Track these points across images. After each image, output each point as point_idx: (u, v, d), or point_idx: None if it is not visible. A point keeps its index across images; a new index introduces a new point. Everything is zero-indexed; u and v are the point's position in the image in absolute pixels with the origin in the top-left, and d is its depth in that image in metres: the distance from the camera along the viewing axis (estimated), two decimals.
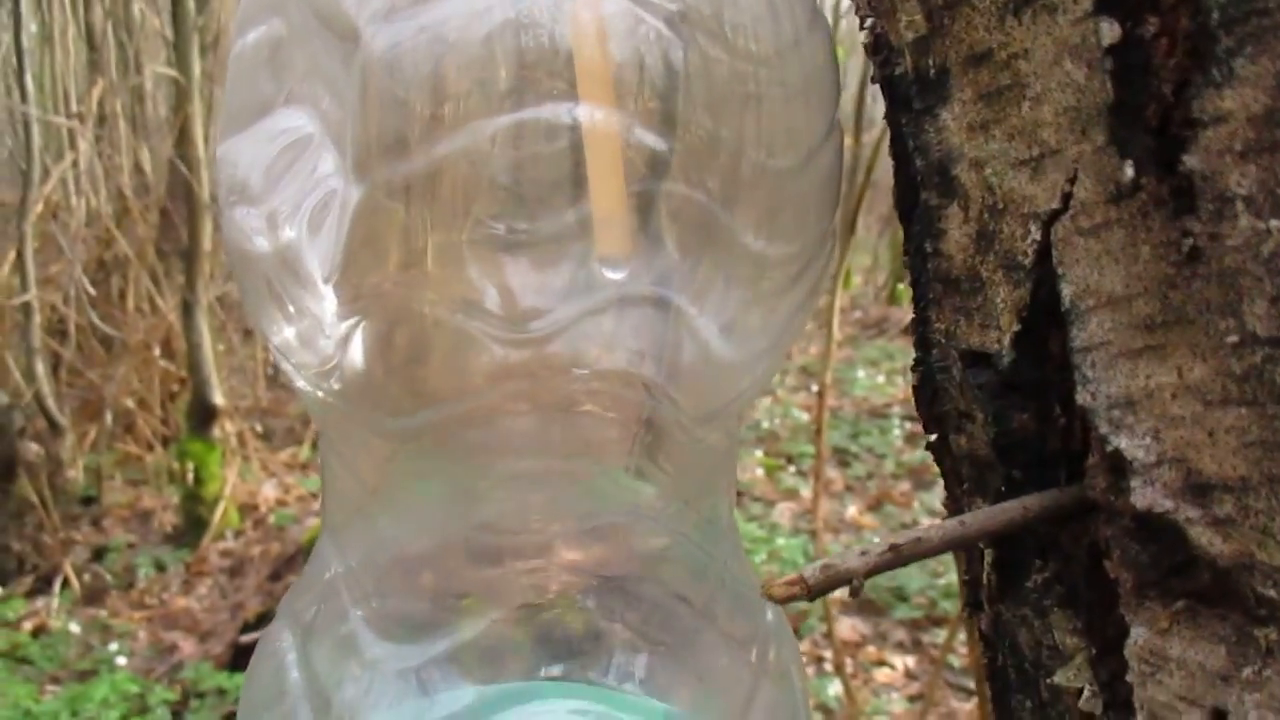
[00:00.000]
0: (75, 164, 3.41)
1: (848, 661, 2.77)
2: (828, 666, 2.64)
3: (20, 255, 2.93)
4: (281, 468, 3.41)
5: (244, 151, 0.20)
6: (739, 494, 3.43)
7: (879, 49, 0.22)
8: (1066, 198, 0.17)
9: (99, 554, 2.91)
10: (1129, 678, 0.17)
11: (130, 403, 3.34)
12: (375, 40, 0.17)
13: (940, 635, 2.57)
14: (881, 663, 2.83)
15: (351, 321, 0.22)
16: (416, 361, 0.23)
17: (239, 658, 2.20)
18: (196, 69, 3.22)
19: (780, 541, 3.01)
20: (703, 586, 0.23)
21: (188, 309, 2.98)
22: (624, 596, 0.22)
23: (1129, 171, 0.16)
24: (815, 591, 0.17)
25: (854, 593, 0.16)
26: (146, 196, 3.89)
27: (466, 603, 0.21)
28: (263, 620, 2.24)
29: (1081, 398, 0.17)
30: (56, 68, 4.47)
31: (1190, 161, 0.15)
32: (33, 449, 2.93)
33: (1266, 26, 0.14)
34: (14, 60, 3.31)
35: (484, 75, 0.18)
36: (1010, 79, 0.18)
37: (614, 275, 0.21)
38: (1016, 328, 0.18)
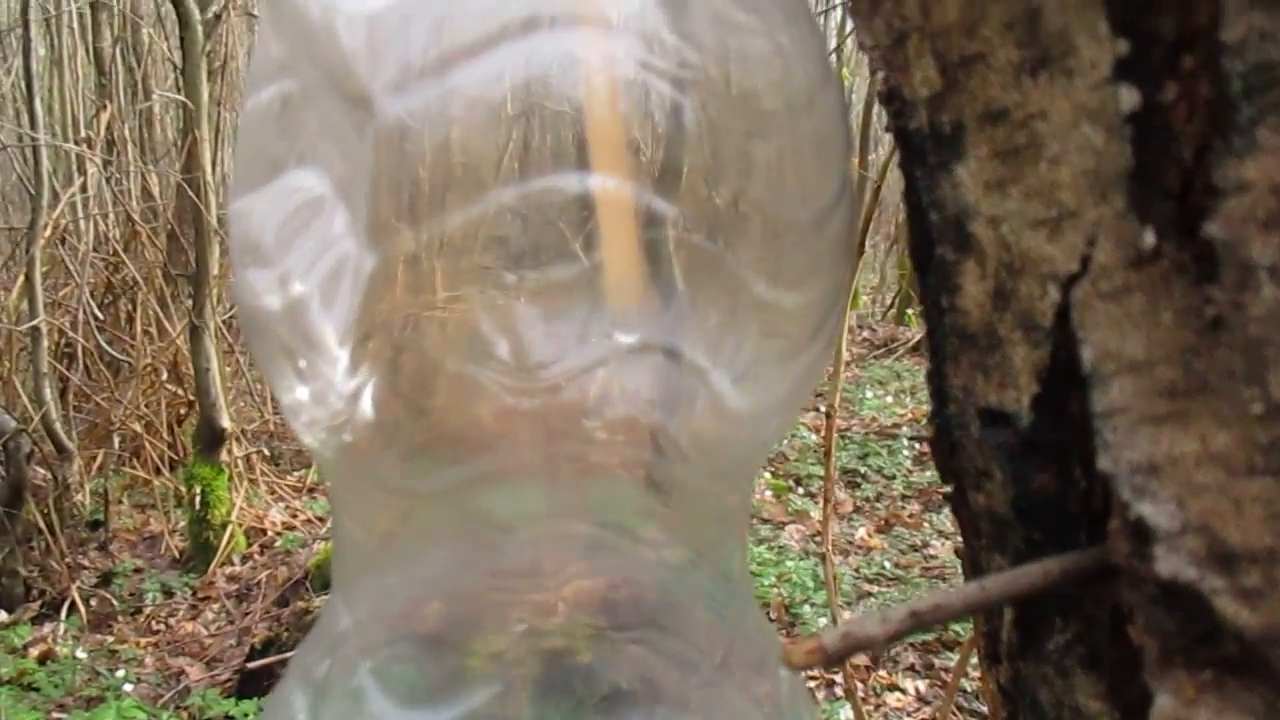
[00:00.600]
0: (84, 188, 3.42)
1: (858, 686, 2.75)
2: (838, 690, 2.62)
3: (29, 279, 2.94)
4: (289, 491, 3.41)
5: (256, 211, 0.20)
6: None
7: (892, 100, 0.22)
8: (1086, 260, 0.17)
9: (106, 579, 2.90)
10: None
11: (138, 426, 3.35)
12: (389, 109, 0.17)
13: (952, 659, 2.56)
14: (893, 687, 2.81)
15: (362, 377, 0.22)
16: (427, 416, 0.23)
17: (246, 684, 2.19)
18: (205, 94, 3.23)
19: (789, 564, 2.99)
20: (717, 642, 0.22)
21: (195, 332, 2.99)
22: (637, 653, 0.22)
23: (1150, 237, 0.15)
24: (834, 658, 0.17)
25: (874, 659, 0.16)
26: (154, 221, 3.90)
27: (476, 664, 0.21)
28: (270, 646, 2.23)
29: (1103, 463, 0.17)
30: (66, 92, 4.49)
31: (1211, 229, 0.15)
32: (40, 473, 2.93)
33: None
34: (23, 86, 3.33)
35: (497, 143, 0.18)
36: (1027, 139, 0.18)
37: (626, 330, 0.21)
38: (1036, 389, 0.18)
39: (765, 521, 3.39)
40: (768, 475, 3.95)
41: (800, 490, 3.90)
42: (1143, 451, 0.16)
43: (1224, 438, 0.15)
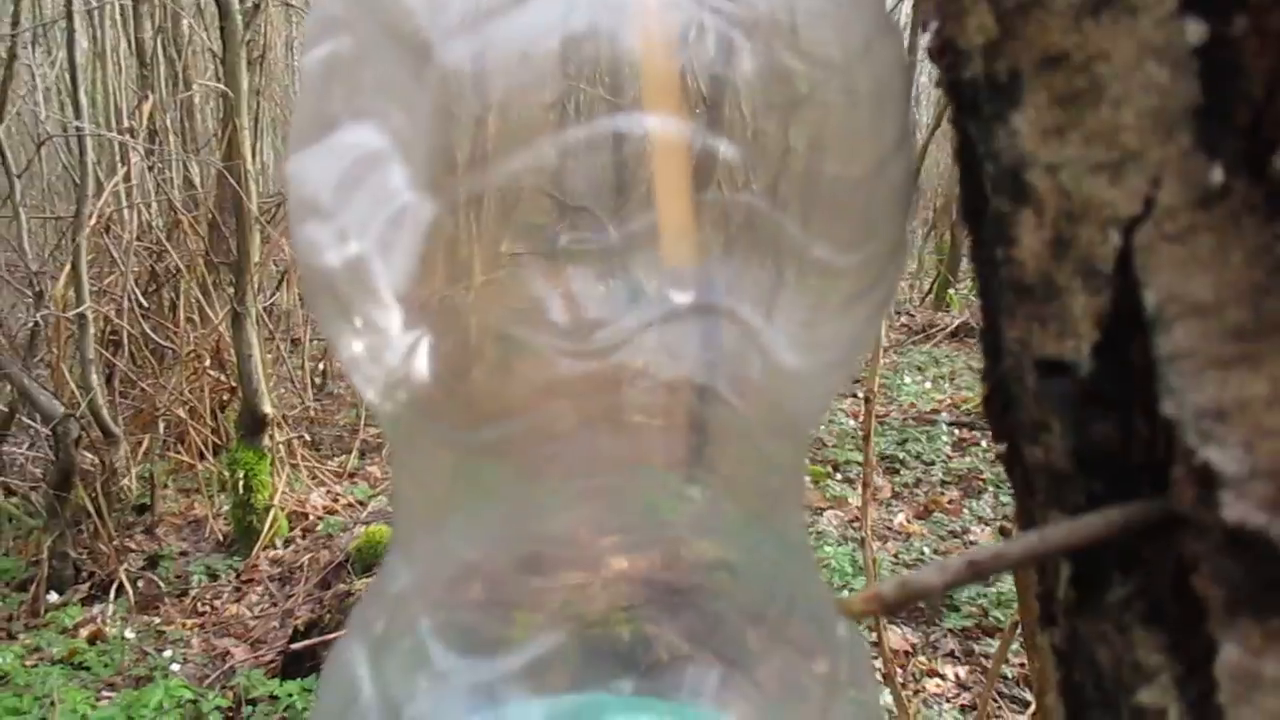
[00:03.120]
0: (127, 178, 3.46)
1: (898, 671, 2.74)
2: (878, 676, 2.61)
3: (75, 268, 2.99)
4: (330, 476, 3.44)
5: (312, 167, 0.20)
6: None
7: (945, 53, 0.22)
8: (1149, 202, 0.16)
9: (153, 562, 2.95)
10: (1219, 698, 0.17)
11: (182, 412, 3.39)
12: (449, 55, 0.17)
13: (992, 645, 2.54)
14: (933, 673, 2.80)
15: (417, 334, 0.22)
16: (480, 374, 0.23)
17: (290, 666, 2.22)
18: (244, 83, 3.26)
19: (828, 549, 2.99)
20: (774, 601, 0.22)
21: (237, 319, 3.02)
22: (696, 612, 0.22)
23: (1218, 175, 0.15)
24: (893, 607, 0.17)
25: (933, 606, 0.16)
26: (196, 209, 3.94)
27: (535, 617, 0.21)
28: (312, 628, 2.26)
29: (1167, 408, 0.17)
30: (109, 83, 4.54)
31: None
32: (88, 458, 2.98)
33: None
34: (68, 77, 3.37)
35: (557, 89, 0.18)
36: (1087, 82, 0.17)
37: (680, 290, 0.21)
38: (1096, 336, 0.18)
39: (803, 507, 3.39)
40: (806, 461, 3.95)
41: (838, 476, 3.88)
42: (1210, 395, 0.16)
43: None
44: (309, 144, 0.21)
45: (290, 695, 2.01)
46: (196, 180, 4.19)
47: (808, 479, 3.68)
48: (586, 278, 0.22)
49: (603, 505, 0.23)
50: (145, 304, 3.49)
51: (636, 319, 0.22)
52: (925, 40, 0.23)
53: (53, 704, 2.12)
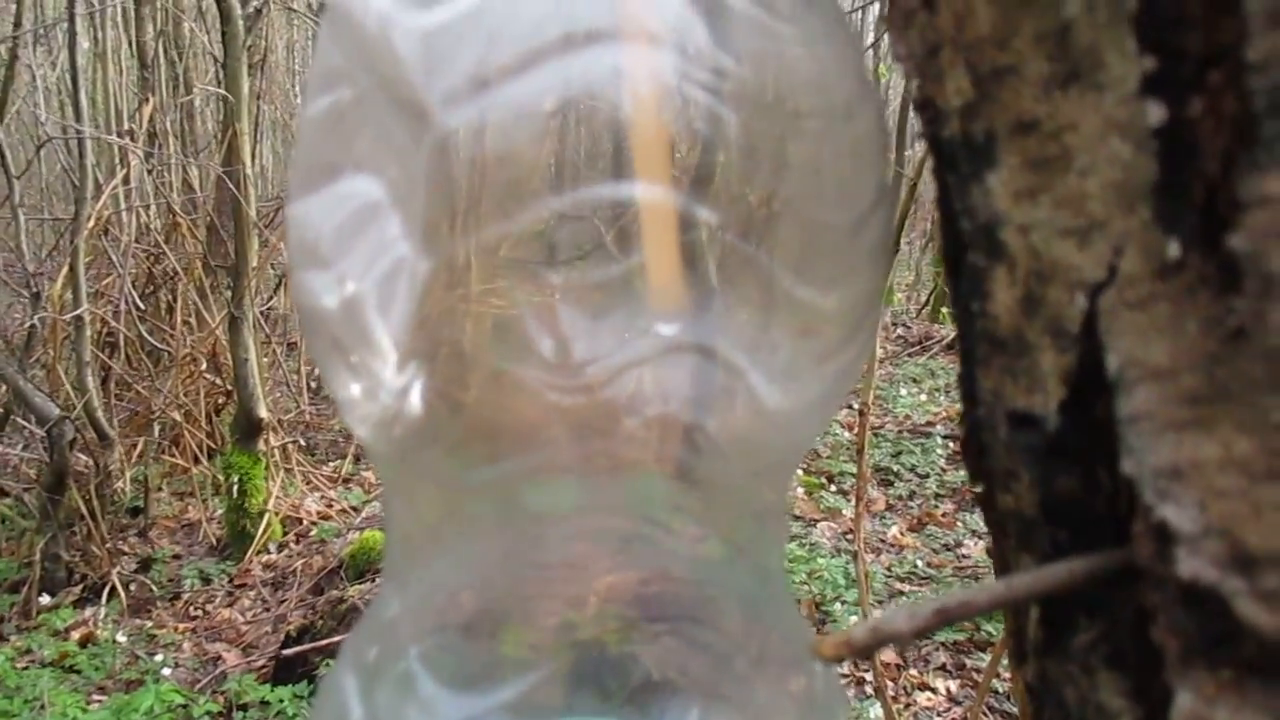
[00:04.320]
0: (126, 180, 3.47)
1: (889, 684, 2.74)
2: (869, 689, 2.62)
3: (73, 269, 2.99)
4: (324, 481, 3.44)
5: (313, 214, 0.21)
6: None
7: (926, 108, 0.23)
8: (1113, 269, 0.17)
9: (145, 565, 2.95)
10: None
11: (177, 415, 3.39)
12: (445, 120, 0.18)
13: (984, 659, 2.54)
14: (924, 686, 2.80)
15: (410, 374, 0.22)
16: (471, 413, 0.23)
17: (281, 671, 2.22)
18: (245, 88, 3.26)
19: (821, 561, 2.99)
20: (754, 634, 0.23)
21: (234, 323, 3.02)
22: (678, 644, 0.22)
23: (1175, 249, 0.16)
24: (862, 652, 0.17)
25: (904, 658, 0.16)
26: (194, 213, 3.94)
27: (521, 651, 0.22)
28: (305, 634, 2.26)
29: (1127, 466, 0.17)
30: (109, 85, 4.54)
31: (1235, 241, 0.15)
32: (82, 460, 2.98)
33: None
34: (69, 79, 3.38)
35: (547, 152, 0.19)
36: (1057, 150, 0.18)
37: (666, 330, 0.21)
38: (1063, 394, 0.19)
39: (797, 519, 3.39)
40: (800, 472, 3.95)
41: (833, 488, 3.89)
42: (1166, 456, 0.17)
43: (1245, 444, 0.16)
44: (310, 191, 0.21)
45: (281, 701, 2.01)
46: (195, 183, 4.20)
47: (801, 490, 3.68)
48: (576, 316, 0.23)
49: (591, 540, 0.24)
50: (142, 306, 3.49)
51: (624, 356, 0.23)
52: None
53: (43, 707, 2.11)
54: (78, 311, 2.82)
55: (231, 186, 2.99)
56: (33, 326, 2.96)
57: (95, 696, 2.29)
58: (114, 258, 3.54)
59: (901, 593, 3.13)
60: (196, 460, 3.40)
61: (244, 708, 2.13)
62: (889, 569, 3.29)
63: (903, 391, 4.75)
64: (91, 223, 3.17)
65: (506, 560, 0.24)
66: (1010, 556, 0.22)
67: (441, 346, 0.23)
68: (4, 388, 3.04)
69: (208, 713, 2.11)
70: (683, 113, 0.19)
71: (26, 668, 2.34)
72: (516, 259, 0.22)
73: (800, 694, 0.24)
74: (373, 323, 0.21)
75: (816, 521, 3.53)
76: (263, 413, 3.00)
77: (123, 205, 3.63)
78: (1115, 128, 0.17)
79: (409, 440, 0.23)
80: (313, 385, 4.45)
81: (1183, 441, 0.16)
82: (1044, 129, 0.18)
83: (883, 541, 3.43)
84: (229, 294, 3.53)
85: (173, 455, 3.41)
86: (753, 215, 0.21)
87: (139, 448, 3.30)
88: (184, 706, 2.14)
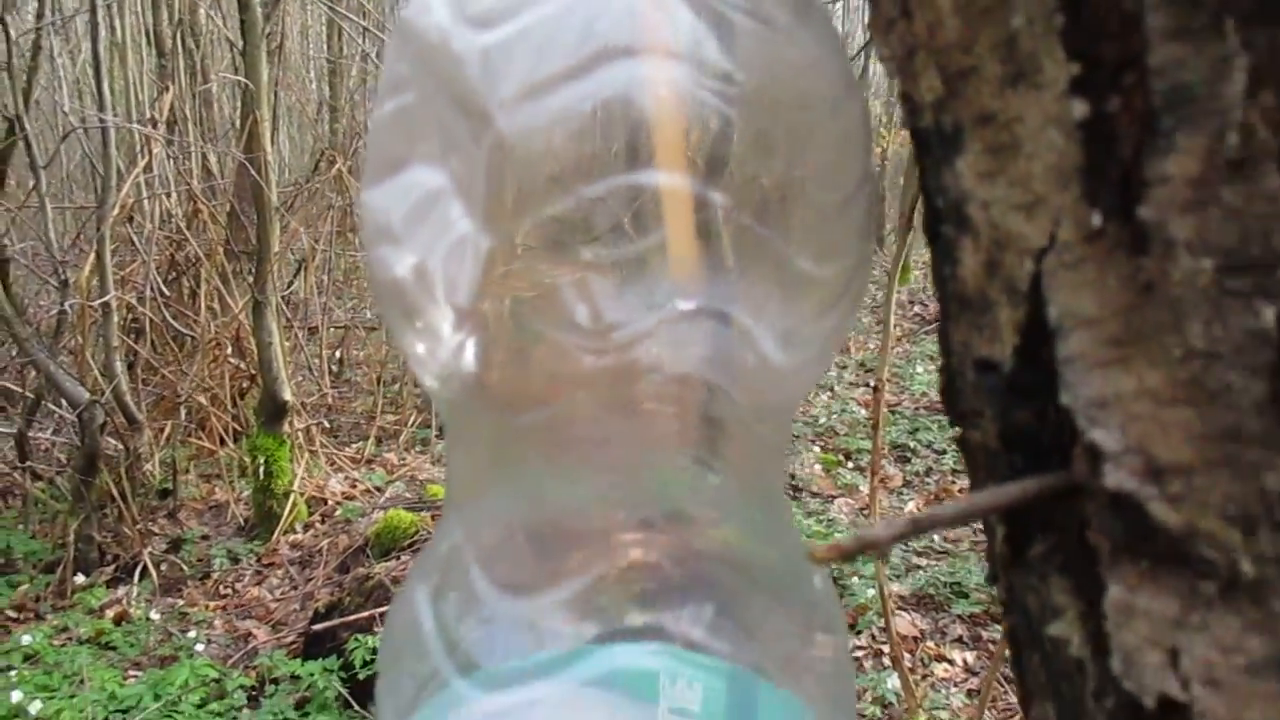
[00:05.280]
0: (149, 168, 3.52)
1: (906, 656, 2.78)
2: (886, 661, 2.66)
3: (99, 257, 3.04)
4: (348, 463, 3.50)
5: (384, 200, 0.25)
6: (797, 489, 3.46)
7: (906, 101, 0.26)
8: (1052, 237, 0.21)
9: (175, 545, 3.01)
10: (1107, 627, 0.21)
11: (203, 399, 3.45)
12: (503, 122, 0.22)
13: (999, 630, 2.58)
14: (941, 658, 2.84)
15: (464, 334, 0.26)
16: (517, 368, 0.27)
17: (311, 646, 2.27)
18: (265, 74, 3.30)
19: (838, 536, 3.02)
20: (762, 555, 0.27)
21: (258, 308, 3.07)
22: (697, 562, 0.26)
23: (1097, 219, 0.20)
24: (849, 555, 0.21)
25: (883, 556, 0.20)
26: (215, 199, 3.99)
27: (565, 565, 0.26)
28: (333, 610, 2.31)
29: (1065, 399, 0.21)
30: (128, 74, 4.58)
31: (1143, 213, 0.19)
32: (112, 444, 3.04)
33: (1197, 110, 0.18)
34: (90, 69, 3.43)
35: (585, 148, 0.22)
36: (1009, 138, 0.22)
37: (685, 298, 0.25)
38: (1016, 341, 0.22)
39: (815, 495, 3.42)
40: (817, 450, 3.99)
41: (850, 464, 3.92)
42: (1094, 389, 0.20)
43: (1154, 377, 0.19)
44: (381, 181, 0.25)
45: (312, 675, 2.06)
46: (215, 169, 4.24)
47: (820, 467, 3.72)
48: (607, 287, 0.26)
49: (626, 479, 0.27)
50: (167, 293, 3.55)
51: (648, 321, 0.27)
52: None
53: (82, 682, 2.17)
54: (106, 298, 2.88)
55: (253, 173, 3.03)
56: (62, 313, 3.02)
57: (131, 672, 2.35)
58: (138, 244, 3.59)
59: (919, 566, 3.17)
60: (222, 443, 3.46)
61: (275, 681, 2.18)
62: (906, 544, 3.32)
63: (919, 369, 4.78)
64: (116, 210, 3.22)
65: (548, 496, 0.28)
66: (981, 485, 0.26)
67: (490, 312, 0.26)
68: (34, 373, 3.10)
69: (240, 686, 2.17)
70: (697, 113, 0.23)
71: (64, 645, 2.40)
72: (556, 237, 0.25)
73: (801, 611, 0.28)
74: (435, 292, 0.25)
75: (834, 498, 3.56)
76: (287, 396, 3.05)
77: (144, 193, 3.68)
78: (1051, 120, 0.20)
79: (464, 390, 0.26)
80: (333, 369, 4.51)
81: (1107, 377, 0.20)
82: (999, 120, 0.22)
83: (901, 515, 3.46)
84: (251, 279, 3.58)
85: (199, 438, 3.47)
86: (757, 198, 0.25)
87: (166, 431, 3.36)
88: (217, 681, 2.19)
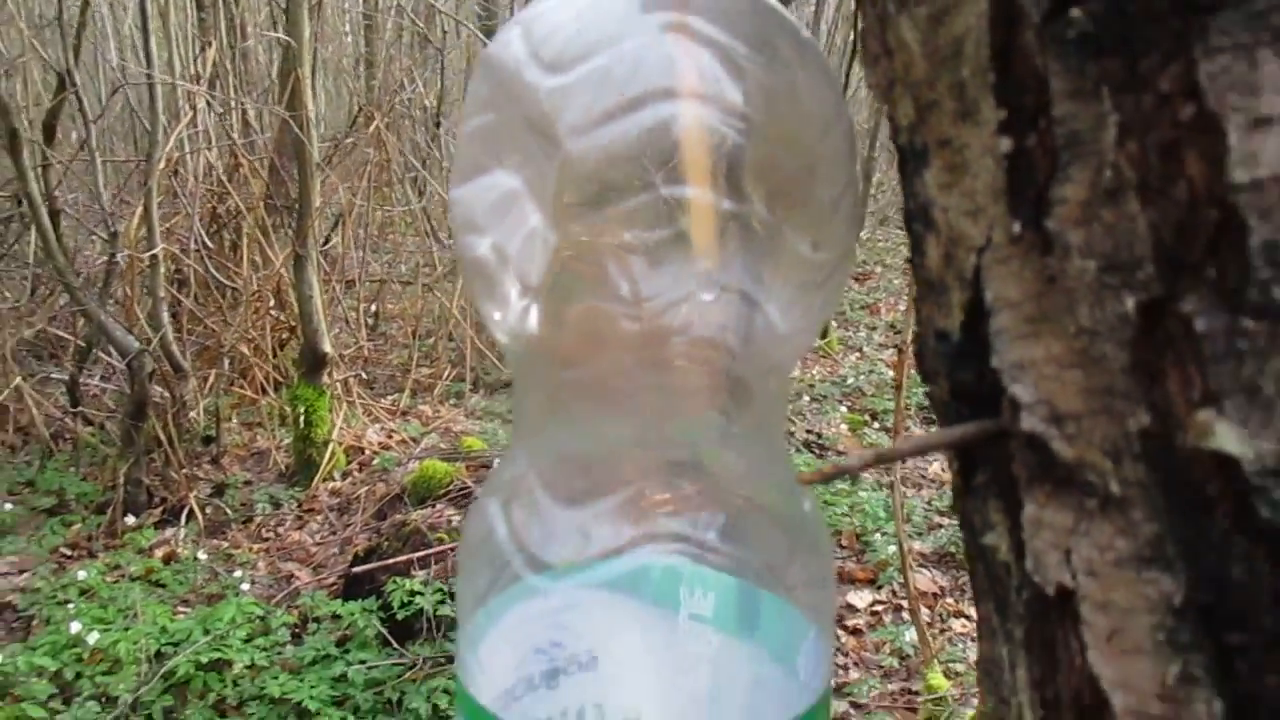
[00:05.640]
0: (194, 123, 3.59)
1: (925, 611, 2.85)
2: (905, 615, 2.73)
3: (147, 209, 3.12)
4: (384, 414, 3.59)
5: (470, 197, 0.32)
6: (824, 448, 3.52)
7: (890, 122, 0.33)
8: (989, 239, 0.27)
9: (219, 490, 3.12)
10: (1023, 536, 0.28)
11: (245, 349, 3.55)
12: (569, 145, 0.28)
13: None
14: (959, 614, 2.91)
15: (528, 302, 0.33)
16: (569, 331, 0.34)
17: (350, 588, 2.37)
18: (307, 31, 3.35)
19: (862, 494, 3.09)
20: (763, 484, 0.33)
21: (299, 262, 3.14)
22: (711, 486, 0.33)
23: (1018, 228, 0.26)
24: (827, 478, 0.28)
25: (852, 478, 0.27)
26: (254, 154, 4.06)
27: (608, 485, 0.33)
28: (371, 554, 2.41)
29: (995, 362, 0.28)
30: (171, 31, 4.64)
31: (1049, 225, 0.25)
32: (158, 392, 3.14)
33: (1085, 151, 0.24)
34: (136, 26, 3.49)
35: (635, 166, 0.29)
36: (961, 160, 0.28)
37: (706, 276, 0.32)
38: (962, 318, 0.29)
39: (840, 453, 3.49)
40: (844, 410, 4.05)
41: (875, 425, 3.97)
42: (1015, 356, 0.27)
43: (1056, 347, 0.26)
44: (467, 181, 0.32)
45: (352, 614, 2.16)
46: (255, 124, 4.31)
47: (845, 427, 3.77)
48: (644, 268, 0.33)
49: (651, 418, 0.34)
50: (210, 245, 3.64)
51: (675, 294, 0.33)
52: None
53: (134, 615, 2.28)
54: (154, 251, 2.97)
55: (295, 129, 3.10)
56: (111, 264, 3.11)
57: (179, 608, 2.45)
58: (182, 197, 3.68)
59: (940, 525, 3.23)
60: (263, 391, 3.57)
61: (317, 620, 2.28)
62: (929, 503, 3.38)
63: None
64: (162, 164, 3.30)
65: (595, 434, 0.34)
66: (941, 427, 0.33)
67: (550, 287, 0.33)
68: (84, 322, 3.20)
69: (284, 624, 2.26)
70: (718, 140, 0.29)
71: (116, 582, 2.51)
72: (607, 231, 0.32)
73: (792, 530, 0.35)
74: (509, 271, 0.31)
75: None
76: (327, 348, 3.13)
77: (188, 148, 3.75)
78: (988, 150, 0.27)
79: (527, 347, 0.33)
80: (369, 322, 4.61)
81: (1024, 347, 0.27)
82: (954, 145, 0.28)
83: (923, 477, 3.52)
84: (289, 232, 3.65)
85: (241, 388, 3.58)
86: (766, 201, 0.31)
87: (210, 380, 3.47)
88: (262, 618, 2.29)
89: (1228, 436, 0.23)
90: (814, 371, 4.40)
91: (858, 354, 4.62)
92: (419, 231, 4.74)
